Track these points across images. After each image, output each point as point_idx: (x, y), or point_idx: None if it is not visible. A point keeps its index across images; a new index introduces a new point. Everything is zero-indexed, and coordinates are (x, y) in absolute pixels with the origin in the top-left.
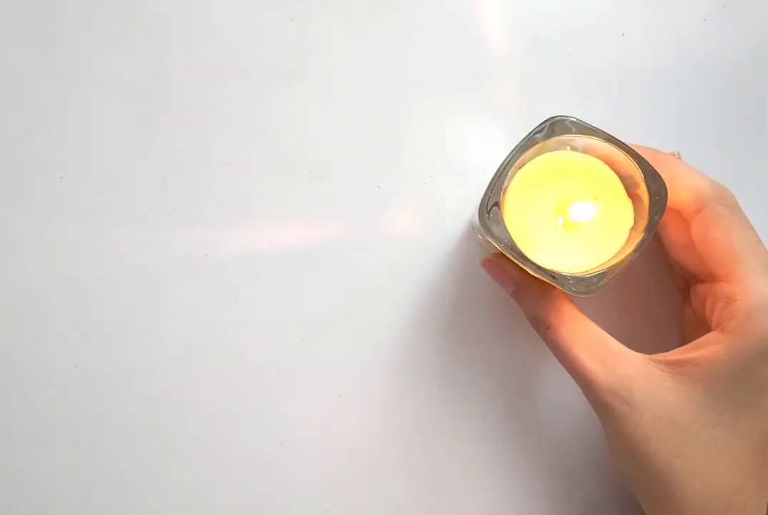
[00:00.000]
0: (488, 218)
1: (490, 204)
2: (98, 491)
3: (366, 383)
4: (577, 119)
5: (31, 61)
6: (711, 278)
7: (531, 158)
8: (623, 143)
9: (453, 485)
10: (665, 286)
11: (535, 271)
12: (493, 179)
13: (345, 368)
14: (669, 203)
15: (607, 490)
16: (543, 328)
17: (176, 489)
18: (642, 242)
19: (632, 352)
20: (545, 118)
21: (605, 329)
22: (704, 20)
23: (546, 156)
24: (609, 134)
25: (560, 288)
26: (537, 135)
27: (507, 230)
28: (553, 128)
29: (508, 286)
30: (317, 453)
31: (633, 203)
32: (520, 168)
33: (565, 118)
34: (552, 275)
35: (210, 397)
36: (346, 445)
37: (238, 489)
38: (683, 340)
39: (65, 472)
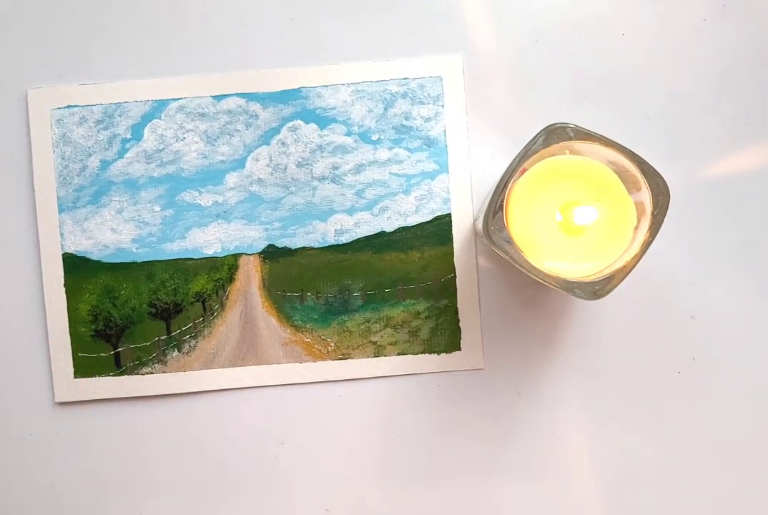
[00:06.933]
0: (492, 229)
1: (494, 215)
2: None
3: (365, 384)
4: (576, 126)
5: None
6: None
7: (532, 164)
8: (622, 146)
9: (453, 485)
10: None
11: (541, 279)
12: (495, 191)
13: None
14: None
15: (606, 489)
16: None
17: (175, 488)
18: (647, 242)
19: None
20: (545, 126)
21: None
22: (704, 20)
23: (546, 161)
24: (608, 138)
25: (567, 294)
26: (536, 144)
27: (512, 241)
28: (553, 136)
29: None
30: (317, 453)
31: (635, 203)
32: (521, 174)
33: (564, 125)
34: (558, 282)
35: (210, 396)
36: (346, 445)
37: (238, 489)
38: None
39: None
